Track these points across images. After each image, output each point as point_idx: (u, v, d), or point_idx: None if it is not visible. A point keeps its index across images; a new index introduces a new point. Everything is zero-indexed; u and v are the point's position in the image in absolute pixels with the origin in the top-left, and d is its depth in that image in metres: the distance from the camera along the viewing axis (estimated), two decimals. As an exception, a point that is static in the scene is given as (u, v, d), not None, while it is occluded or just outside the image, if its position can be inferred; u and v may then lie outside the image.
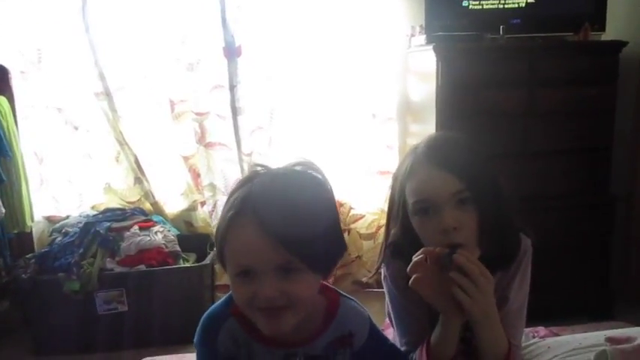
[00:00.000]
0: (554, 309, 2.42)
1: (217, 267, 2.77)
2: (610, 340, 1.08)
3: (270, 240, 0.81)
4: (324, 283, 0.98)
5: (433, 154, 1.02)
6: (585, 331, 1.95)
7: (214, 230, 2.80)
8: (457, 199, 0.99)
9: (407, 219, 1.07)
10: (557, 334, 1.79)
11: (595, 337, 1.15)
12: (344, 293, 1.04)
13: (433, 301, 0.99)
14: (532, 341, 1.21)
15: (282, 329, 0.88)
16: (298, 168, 0.92)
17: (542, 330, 1.81)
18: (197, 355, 1.02)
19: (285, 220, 0.81)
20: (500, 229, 1.04)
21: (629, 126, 2.58)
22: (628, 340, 1.06)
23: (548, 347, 1.14)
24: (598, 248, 2.50)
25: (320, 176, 0.92)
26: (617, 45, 2.37)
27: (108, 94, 2.61)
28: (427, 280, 0.98)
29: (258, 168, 0.92)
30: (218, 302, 1.02)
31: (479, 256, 1.01)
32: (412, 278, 0.98)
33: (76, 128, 2.69)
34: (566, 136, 2.39)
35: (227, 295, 1.02)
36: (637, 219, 2.63)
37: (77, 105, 2.68)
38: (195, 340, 1.01)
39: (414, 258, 0.99)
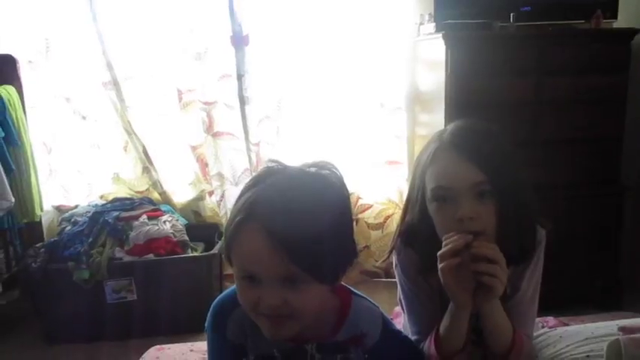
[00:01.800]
0: (563, 299, 2.41)
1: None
2: (623, 329, 1.07)
3: (277, 252, 0.79)
4: None
5: (458, 142, 1.01)
6: (595, 321, 1.95)
7: (222, 220, 2.84)
8: (477, 190, 0.98)
9: (425, 205, 1.06)
10: (566, 324, 1.79)
11: (607, 326, 1.14)
12: (356, 291, 1.03)
13: (453, 290, 0.98)
14: (543, 331, 1.20)
15: (284, 336, 0.87)
16: (313, 170, 0.90)
17: (551, 320, 1.80)
18: (207, 339, 1.03)
19: (294, 232, 0.79)
20: (518, 225, 1.02)
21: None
22: (641, 329, 1.05)
23: (560, 337, 1.13)
24: (607, 238, 2.49)
25: (336, 179, 0.90)
26: (629, 33, 2.34)
27: (116, 84, 2.61)
28: (452, 269, 0.96)
29: (272, 164, 0.90)
30: (229, 289, 1.02)
31: None
32: (442, 266, 0.96)
33: (84, 118, 2.70)
34: (576, 125, 2.36)
35: None
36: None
37: (85, 94, 2.68)
38: (206, 325, 1.02)
39: (443, 249, 0.97)
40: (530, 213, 1.05)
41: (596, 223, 2.44)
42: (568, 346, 1.10)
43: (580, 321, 1.96)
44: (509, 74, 2.30)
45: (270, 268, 0.81)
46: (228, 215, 2.79)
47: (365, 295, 1.04)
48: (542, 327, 1.61)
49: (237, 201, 0.87)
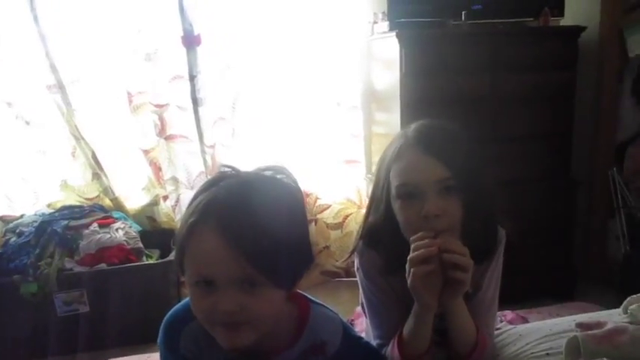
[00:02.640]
0: (519, 291, 2.46)
1: (182, 262, 2.71)
2: (580, 325, 1.09)
3: (233, 252, 0.77)
4: (295, 290, 0.94)
5: (423, 138, 1.01)
6: (551, 313, 1.99)
7: (178, 225, 2.75)
8: (442, 186, 0.98)
9: (390, 203, 1.05)
10: (524, 317, 1.82)
11: (565, 322, 1.16)
12: (315, 300, 1.01)
13: (420, 292, 0.96)
14: (503, 329, 1.21)
15: (241, 343, 0.84)
16: (268, 173, 0.88)
17: (509, 313, 1.83)
18: (160, 355, 0.98)
19: (250, 233, 0.77)
20: (482, 222, 1.04)
21: (590, 110, 2.62)
22: (598, 324, 1.06)
23: (520, 335, 1.14)
24: (560, 231, 2.56)
25: (291, 183, 0.89)
26: (576, 30, 2.40)
27: (61, 87, 2.50)
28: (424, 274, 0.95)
29: (226, 169, 0.88)
30: (181, 303, 0.97)
31: None
32: (415, 271, 0.95)
33: (28, 123, 2.57)
34: (528, 121, 2.41)
35: None
36: (596, 202, 2.68)
37: (28, 99, 2.56)
38: (158, 341, 0.97)
39: (413, 254, 0.95)
40: (493, 210, 1.06)
41: (550, 217, 2.50)
42: (528, 344, 1.11)
43: (537, 312, 2.00)
44: (463, 72, 2.33)
45: (226, 270, 0.78)
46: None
47: (323, 303, 1.01)
48: (501, 321, 1.63)
49: (190, 204, 0.85)
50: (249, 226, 0.78)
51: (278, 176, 0.88)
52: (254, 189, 0.83)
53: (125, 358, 1.87)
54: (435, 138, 1.02)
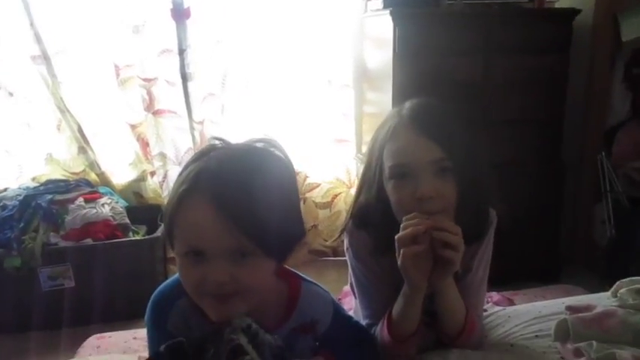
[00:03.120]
0: (504, 273, 2.48)
1: (169, 239, 2.69)
2: (570, 308, 1.09)
3: (224, 221, 0.76)
4: (286, 267, 0.94)
5: (418, 118, 0.99)
6: (537, 295, 2.01)
7: (165, 201, 2.74)
8: (437, 167, 0.96)
9: (382, 183, 1.03)
10: (510, 299, 1.83)
11: (554, 305, 1.16)
12: (306, 277, 1.00)
13: (410, 272, 0.96)
14: (491, 311, 1.21)
15: (231, 315, 0.82)
16: (260, 145, 0.87)
17: (495, 295, 1.84)
18: (147, 332, 0.97)
19: (242, 201, 0.77)
20: (476, 203, 1.02)
21: (581, 95, 2.62)
22: (587, 308, 1.07)
23: (509, 317, 1.15)
24: (549, 215, 2.57)
25: (283, 156, 0.87)
26: (571, 12, 2.38)
27: (46, 58, 2.44)
28: (413, 254, 0.94)
29: (216, 141, 0.86)
30: (169, 280, 0.96)
31: None
32: (405, 251, 0.94)
33: (12, 95, 2.51)
34: (519, 104, 2.41)
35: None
36: (584, 187, 2.70)
37: (12, 70, 2.49)
38: (145, 318, 0.96)
39: (402, 232, 0.94)
40: (486, 192, 1.05)
41: (539, 201, 2.51)
42: (517, 325, 1.11)
43: (522, 295, 2.02)
44: (456, 53, 2.31)
45: (217, 240, 0.77)
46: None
47: (315, 281, 1.00)
48: (488, 302, 1.65)
49: (180, 174, 0.84)
50: (241, 195, 0.77)
51: (270, 149, 0.87)
52: (245, 159, 0.82)
53: (111, 333, 1.86)
54: (431, 118, 1.00)
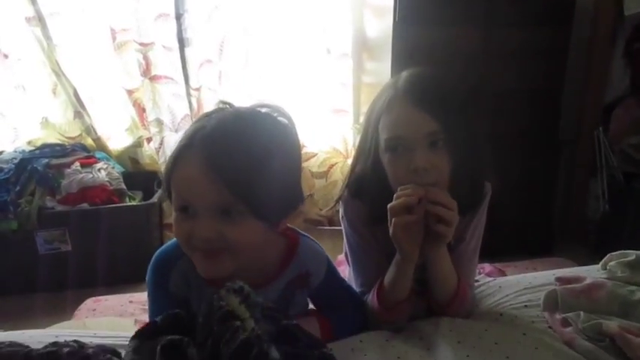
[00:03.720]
0: (497, 245, 2.51)
1: (165, 205, 2.70)
2: (559, 280, 1.11)
3: (212, 178, 0.78)
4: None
5: (414, 90, 0.98)
6: (528, 267, 2.04)
7: (162, 167, 2.74)
8: (431, 140, 0.96)
9: (378, 155, 1.03)
10: (501, 270, 1.86)
11: (544, 276, 1.18)
12: (303, 233, 1.03)
13: (402, 242, 0.97)
14: (482, 282, 1.23)
15: (218, 273, 0.85)
16: (264, 110, 0.88)
17: (487, 266, 1.87)
18: (148, 292, 0.98)
19: (232, 160, 0.78)
20: (470, 176, 1.03)
21: (581, 69, 2.61)
22: (577, 279, 1.09)
23: (500, 287, 1.17)
24: (543, 188, 2.58)
25: (286, 122, 0.88)
26: (574, -16, 2.35)
27: (41, 19, 2.40)
28: (405, 224, 0.95)
29: (223, 105, 0.88)
30: (171, 241, 0.98)
31: None
32: (396, 221, 0.94)
33: (7, 56, 2.48)
34: (518, 76, 2.39)
35: None
36: (580, 161, 2.71)
37: (6, 31, 2.45)
38: (147, 278, 0.98)
39: (394, 202, 0.95)
40: (482, 164, 1.05)
41: (533, 173, 2.52)
42: (507, 295, 1.13)
43: (514, 266, 2.05)
44: (456, 23, 2.28)
45: (205, 196, 0.80)
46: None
47: (311, 237, 1.03)
48: (479, 273, 1.67)
49: (180, 138, 0.86)
50: (233, 154, 0.78)
51: (273, 114, 0.88)
52: (245, 121, 0.84)
53: (107, 296, 1.89)
54: (427, 90, 0.99)
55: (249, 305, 0.76)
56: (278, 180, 0.82)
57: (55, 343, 0.81)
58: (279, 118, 0.88)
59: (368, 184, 1.07)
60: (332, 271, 1.05)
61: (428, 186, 0.94)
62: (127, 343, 0.95)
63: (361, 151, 1.10)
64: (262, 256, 0.93)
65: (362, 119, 1.23)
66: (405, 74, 1.03)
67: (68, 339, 0.87)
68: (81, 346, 0.83)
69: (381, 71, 2.47)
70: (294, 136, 0.89)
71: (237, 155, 0.79)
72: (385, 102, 1.01)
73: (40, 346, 0.78)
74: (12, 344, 0.78)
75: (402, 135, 0.97)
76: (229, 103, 0.89)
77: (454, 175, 0.99)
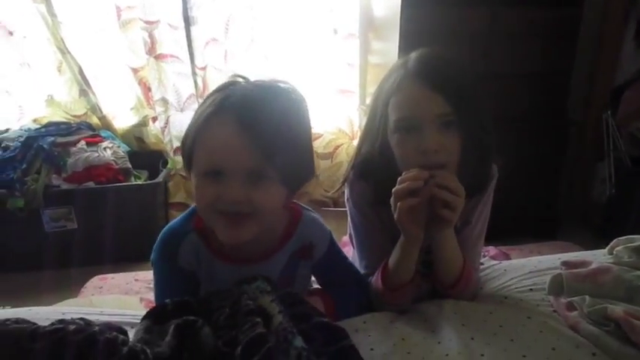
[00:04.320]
0: (503, 228, 2.50)
1: (171, 185, 2.71)
2: (565, 264, 1.11)
3: (248, 142, 0.81)
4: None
5: (425, 71, 0.97)
6: (531, 251, 2.04)
7: (167, 147, 2.73)
8: (442, 121, 0.95)
9: (386, 136, 1.02)
10: (506, 253, 1.86)
11: (550, 260, 1.18)
12: (307, 207, 1.04)
13: (406, 225, 0.96)
14: (487, 264, 1.23)
15: (242, 238, 0.87)
16: (280, 84, 0.90)
17: (492, 249, 1.87)
18: (155, 271, 0.99)
19: (266, 126, 0.81)
20: (478, 158, 1.02)
21: (591, 51, 2.57)
22: (583, 264, 1.09)
23: (505, 270, 1.16)
24: (549, 171, 2.56)
25: (300, 96, 0.90)
26: (587, -35, 2.31)
27: (46, -4, 2.38)
28: (409, 207, 0.94)
29: (239, 78, 0.90)
30: (179, 217, 1.00)
31: None
32: (401, 204, 0.94)
33: (12, 34, 2.46)
34: (528, 57, 2.36)
35: (189, 209, 1.00)
36: (588, 145, 2.69)
37: (11, 7, 2.44)
38: (153, 256, 0.98)
39: (399, 186, 0.94)
40: (490, 146, 1.04)
41: (539, 156, 2.50)
42: (512, 279, 1.13)
43: (519, 250, 2.05)
44: (466, 3, 2.24)
45: (239, 159, 0.82)
46: (173, 142, 2.67)
47: (315, 212, 1.05)
48: (484, 256, 1.67)
49: (203, 103, 0.88)
50: (266, 120, 0.81)
51: (288, 89, 0.90)
52: (269, 90, 0.87)
53: (113, 274, 1.91)
54: (438, 70, 0.97)
55: (279, 302, 0.80)
56: (300, 148, 0.88)
57: (61, 321, 0.81)
58: (292, 90, 0.90)
59: (375, 166, 1.06)
60: (335, 246, 1.06)
61: (436, 168, 0.94)
62: (133, 321, 0.96)
63: (368, 132, 1.09)
64: (270, 228, 0.94)
65: (368, 100, 1.22)
66: (414, 54, 1.02)
67: (75, 317, 0.88)
68: (87, 323, 0.84)
69: (388, 51, 2.44)
70: (308, 109, 0.91)
71: (269, 120, 0.81)
72: (395, 82, 0.99)
73: (46, 323, 0.79)
74: (18, 321, 0.79)
75: (412, 116, 0.96)
76: (244, 77, 0.90)
77: (463, 157, 0.98)
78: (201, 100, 2.65)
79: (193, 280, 0.97)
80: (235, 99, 0.83)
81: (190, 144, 0.86)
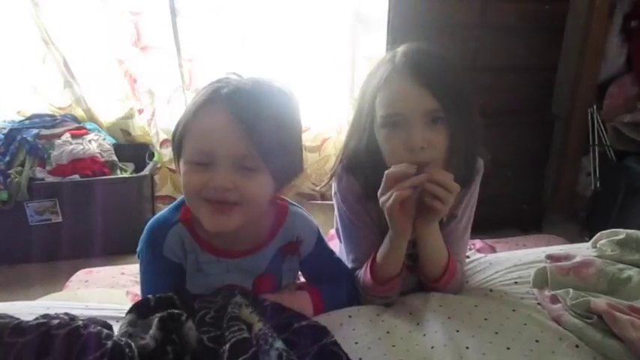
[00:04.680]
0: (489, 221, 2.52)
1: (157, 177, 2.69)
2: (550, 257, 1.12)
3: (238, 129, 0.82)
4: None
5: (412, 66, 0.96)
6: (517, 244, 2.06)
7: (153, 140, 2.70)
8: (430, 117, 0.95)
9: (373, 131, 1.02)
10: (492, 246, 1.88)
11: (535, 253, 1.19)
12: (294, 202, 1.04)
13: (396, 218, 0.97)
14: (473, 258, 1.24)
15: (227, 226, 0.87)
16: (274, 82, 0.91)
17: (478, 242, 1.89)
18: (141, 262, 0.99)
19: (257, 114, 0.83)
20: (466, 152, 1.02)
21: (577, 45, 2.59)
22: (567, 257, 1.10)
23: (490, 264, 1.17)
24: (535, 165, 2.59)
25: (293, 97, 0.92)
26: (573, -41, 2.32)
27: (29, -14, 2.34)
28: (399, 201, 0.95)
29: (232, 75, 0.91)
30: (167, 208, 1.00)
31: None
32: (393, 199, 0.93)
33: (-6, 23, 2.42)
34: (514, 51, 2.38)
35: (177, 201, 1.00)
36: (572, 139, 2.71)
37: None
38: (139, 247, 0.98)
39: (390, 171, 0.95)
40: (476, 141, 1.04)
41: (525, 150, 2.52)
42: (497, 272, 1.14)
43: (504, 242, 2.06)
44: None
45: (228, 146, 0.83)
46: (160, 135, 2.64)
47: (302, 207, 1.04)
48: (470, 249, 1.68)
49: (195, 96, 0.89)
50: (258, 112, 0.83)
51: (279, 85, 0.91)
52: (263, 85, 0.88)
53: (99, 268, 1.89)
54: (425, 66, 0.96)
55: (257, 313, 0.82)
56: (291, 144, 0.89)
57: (45, 315, 0.81)
58: (286, 90, 0.91)
59: (362, 161, 1.06)
60: (322, 242, 1.06)
61: (423, 165, 0.94)
62: (118, 315, 0.96)
63: (356, 127, 1.08)
64: (256, 222, 0.94)
65: (356, 94, 1.21)
66: (402, 49, 1.01)
67: (59, 311, 0.87)
68: (72, 318, 0.83)
69: (377, 44, 2.44)
70: (299, 110, 0.93)
71: (261, 111, 0.83)
72: (382, 77, 0.99)
73: (30, 318, 0.78)
74: (1, 316, 0.78)
75: (400, 112, 0.96)
76: (237, 73, 0.90)
77: (449, 152, 0.98)
78: (187, 92, 2.64)
79: (179, 271, 0.97)
80: (228, 90, 0.85)
81: (180, 133, 0.87)
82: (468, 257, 1.26)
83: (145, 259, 0.98)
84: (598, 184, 2.53)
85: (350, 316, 0.99)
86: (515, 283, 1.08)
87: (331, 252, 1.11)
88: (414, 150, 0.95)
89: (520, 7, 2.30)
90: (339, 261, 1.13)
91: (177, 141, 0.88)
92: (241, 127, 0.82)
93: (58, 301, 1.19)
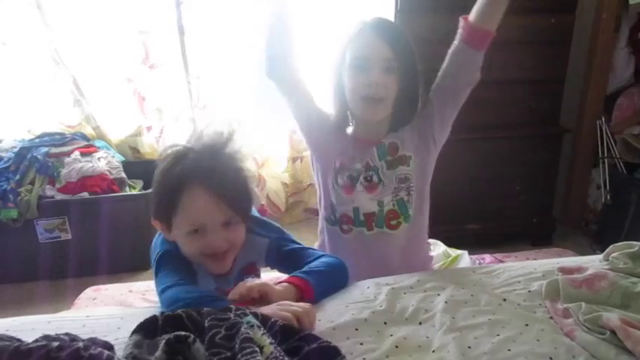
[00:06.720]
0: (499, 235, 2.51)
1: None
2: (562, 269, 1.11)
3: (218, 203, 1.06)
4: None
5: (379, 26, 1.28)
6: (527, 258, 2.03)
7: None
8: (386, 65, 1.25)
9: (342, 76, 1.30)
10: (501, 261, 1.85)
11: (548, 265, 1.18)
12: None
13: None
14: (487, 263, 1.23)
15: (224, 268, 1.14)
16: (225, 149, 1.10)
17: (487, 257, 1.87)
18: (160, 262, 1.11)
19: (228, 187, 1.07)
20: (410, 97, 1.31)
21: (584, 58, 2.59)
22: (579, 270, 1.09)
23: (503, 270, 1.17)
24: (544, 178, 2.57)
25: (235, 151, 1.11)
26: (578, -29, 2.32)
27: (39, 6, 2.37)
28: None
29: (178, 147, 1.10)
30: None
31: (389, 113, 1.31)
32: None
33: (4, 44, 2.46)
34: (521, 64, 2.36)
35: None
36: (582, 151, 2.70)
37: (4, 18, 2.43)
38: (154, 253, 1.14)
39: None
40: (418, 88, 1.32)
41: (535, 163, 2.50)
42: (510, 282, 1.13)
43: (514, 258, 2.04)
44: (459, 9, 2.24)
45: (215, 216, 1.07)
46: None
47: (256, 230, 1.21)
48: (479, 264, 1.66)
49: (163, 176, 1.08)
50: (227, 183, 1.07)
51: (226, 150, 1.11)
52: (218, 155, 1.09)
53: (107, 285, 1.89)
54: (387, 27, 1.29)
55: (268, 335, 0.86)
56: (248, 189, 1.14)
57: (45, 336, 0.81)
58: (230, 150, 1.10)
59: (333, 99, 1.36)
60: (280, 249, 1.20)
61: (377, 100, 1.25)
62: (118, 323, 0.95)
63: (333, 75, 1.34)
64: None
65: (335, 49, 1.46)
66: (372, 17, 1.31)
67: (61, 324, 0.87)
68: (72, 339, 0.83)
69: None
70: (242, 158, 1.13)
71: (229, 183, 1.07)
72: (355, 32, 1.28)
73: (32, 333, 0.77)
74: (1, 337, 0.78)
75: (365, 56, 1.25)
76: (180, 144, 1.11)
77: (399, 93, 1.28)
78: (195, 110, 2.65)
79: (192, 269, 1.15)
80: (200, 170, 1.04)
81: (169, 211, 1.06)
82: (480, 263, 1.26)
83: (164, 256, 1.12)
84: (609, 197, 2.50)
85: (357, 329, 0.98)
86: (529, 292, 1.07)
87: (293, 240, 1.24)
88: (371, 86, 1.24)
89: (526, 21, 2.30)
90: (306, 248, 1.23)
91: (166, 217, 1.08)
92: (220, 200, 1.05)
93: (58, 314, 1.19)
